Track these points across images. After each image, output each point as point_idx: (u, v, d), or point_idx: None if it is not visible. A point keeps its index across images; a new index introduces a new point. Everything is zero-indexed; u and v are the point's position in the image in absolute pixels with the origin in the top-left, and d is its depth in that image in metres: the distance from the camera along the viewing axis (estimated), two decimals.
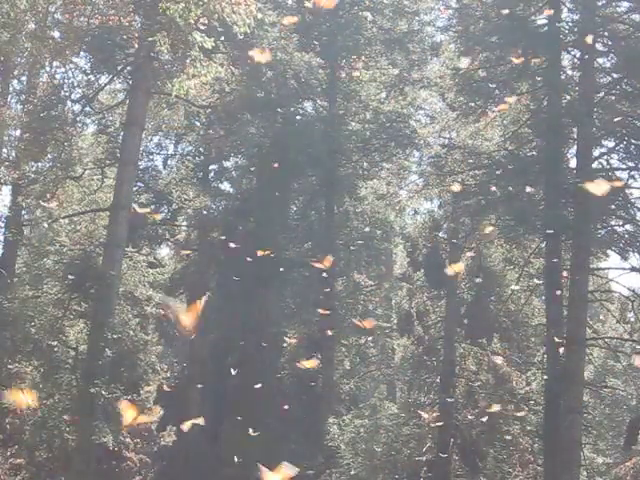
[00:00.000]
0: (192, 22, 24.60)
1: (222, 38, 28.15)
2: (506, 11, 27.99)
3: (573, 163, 29.92)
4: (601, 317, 44.79)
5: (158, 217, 38.41)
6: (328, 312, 30.02)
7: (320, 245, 36.25)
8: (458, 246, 34.24)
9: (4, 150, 32.75)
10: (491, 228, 29.36)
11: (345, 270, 37.65)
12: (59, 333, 31.26)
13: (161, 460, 37.90)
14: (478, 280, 32.85)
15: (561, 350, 27.30)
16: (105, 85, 32.38)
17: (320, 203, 38.13)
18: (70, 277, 30.76)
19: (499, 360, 30.59)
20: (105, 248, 30.40)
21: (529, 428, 32.46)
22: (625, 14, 30.33)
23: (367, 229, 37.33)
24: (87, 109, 31.95)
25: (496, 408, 28.52)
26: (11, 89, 33.25)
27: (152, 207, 40.10)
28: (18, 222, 34.13)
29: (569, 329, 27.96)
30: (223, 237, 33.57)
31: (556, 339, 26.77)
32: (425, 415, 27.74)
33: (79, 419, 28.59)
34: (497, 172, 29.88)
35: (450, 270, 26.57)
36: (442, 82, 33.48)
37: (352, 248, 37.34)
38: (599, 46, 29.80)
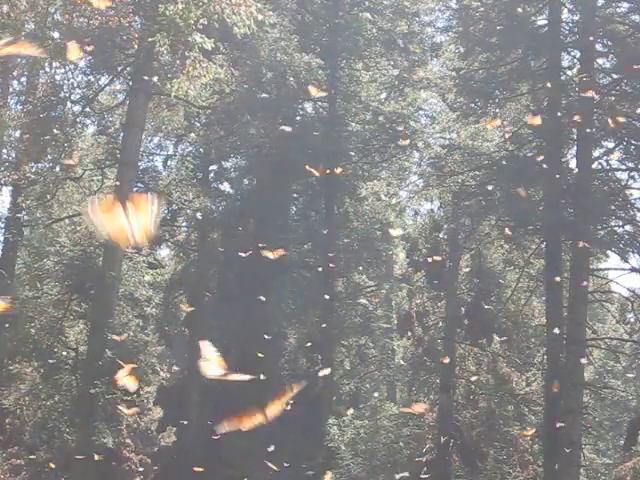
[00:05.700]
0: (192, 23, 24.58)
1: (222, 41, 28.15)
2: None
3: (573, 163, 29.94)
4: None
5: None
6: None
7: (320, 245, 36.24)
8: (458, 246, 34.24)
9: (4, 151, 32.76)
10: None
11: (345, 270, 37.61)
12: (59, 334, 31.28)
13: (161, 460, 37.87)
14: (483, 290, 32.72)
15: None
16: (105, 86, 32.38)
17: (320, 203, 38.09)
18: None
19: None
20: (105, 249, 30.40)
21: (529, 428, 32.45)
22: (625, 15, 30.35)
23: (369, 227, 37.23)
24: (87, 110, 31.95)
25: None
26: (11, 89, 33.26)
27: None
28: (18, 223, 34.13)
29: (569, 329, 27.95)
30: (223, 237, 33.49)
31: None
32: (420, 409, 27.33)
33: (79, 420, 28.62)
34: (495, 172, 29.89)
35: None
36: (442, 83, 33.46)
37: (345, 247, 37.24)
38: (599, 46, 29.81)
